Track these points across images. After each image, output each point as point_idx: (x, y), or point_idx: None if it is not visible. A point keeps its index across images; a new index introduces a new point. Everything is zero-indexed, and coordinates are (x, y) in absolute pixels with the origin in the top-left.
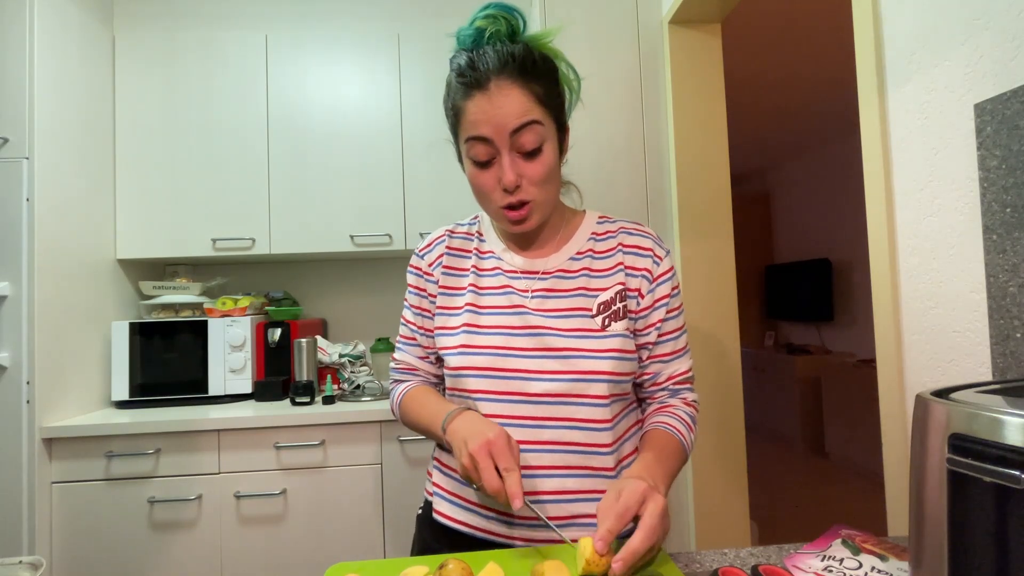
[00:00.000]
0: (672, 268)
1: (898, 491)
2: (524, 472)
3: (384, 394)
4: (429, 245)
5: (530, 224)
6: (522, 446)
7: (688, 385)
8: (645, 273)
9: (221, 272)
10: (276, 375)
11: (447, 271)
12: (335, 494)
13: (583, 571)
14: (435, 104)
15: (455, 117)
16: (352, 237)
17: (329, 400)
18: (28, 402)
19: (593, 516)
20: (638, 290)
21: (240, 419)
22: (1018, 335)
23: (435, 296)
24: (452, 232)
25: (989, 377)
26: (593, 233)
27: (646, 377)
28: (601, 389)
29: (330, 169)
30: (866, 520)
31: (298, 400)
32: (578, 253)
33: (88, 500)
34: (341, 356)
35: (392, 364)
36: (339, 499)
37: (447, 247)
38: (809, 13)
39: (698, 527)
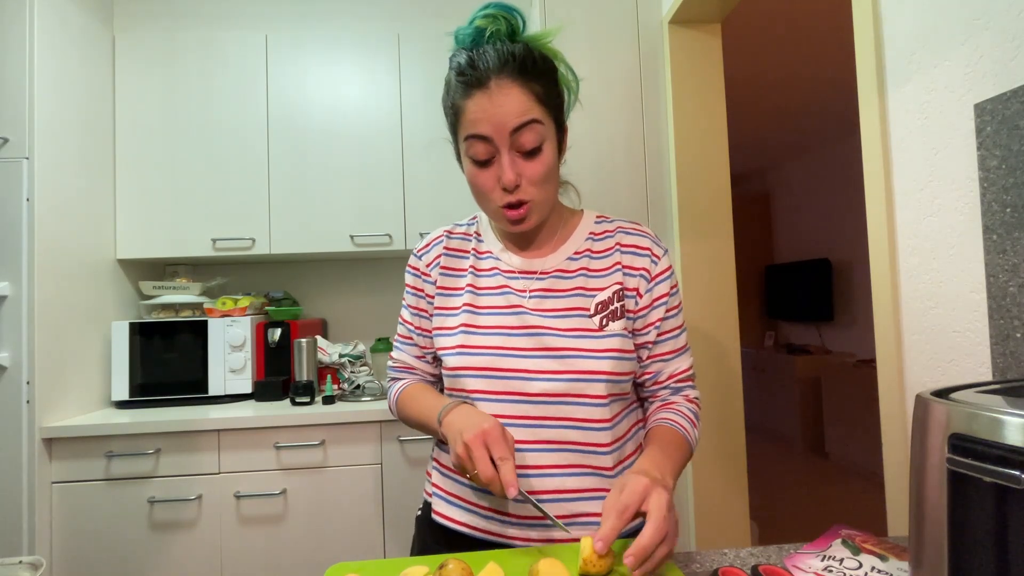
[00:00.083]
0: (670, 267)
1: (898, 491)
2: (524, 472)
3: (384, 394)
4: (427, 246)
5: (529, 224)
6: (521, 445)
7: (690, 383)
8: (643, 272)
9: (221, 272)
10: (276, 375)
11: (445, 272)
12: (335, 494)
13: (582, 571)
14: (435, 104)
15: (455, 116)
16: (352, 237)
17: (329, 400)
18: (28, 402)
19: (593, 515)
20: (636, 289)
21: (240, 419)
22: (1018, 335)
23: (432, 297)
24: (450, 233)
25: (989, 377)
26: (591, 233)
27: (647, 376)
28: (599, 389)
29: (330, 169)
30: (866, 520)
31: (298, 400)
32: (576, 253)
33: (88, 500)
34: (341, 356)
35: (389, 363)
36: (339, 499)
37: (445, 248)
38: (809, 13)
39: (698, 527)
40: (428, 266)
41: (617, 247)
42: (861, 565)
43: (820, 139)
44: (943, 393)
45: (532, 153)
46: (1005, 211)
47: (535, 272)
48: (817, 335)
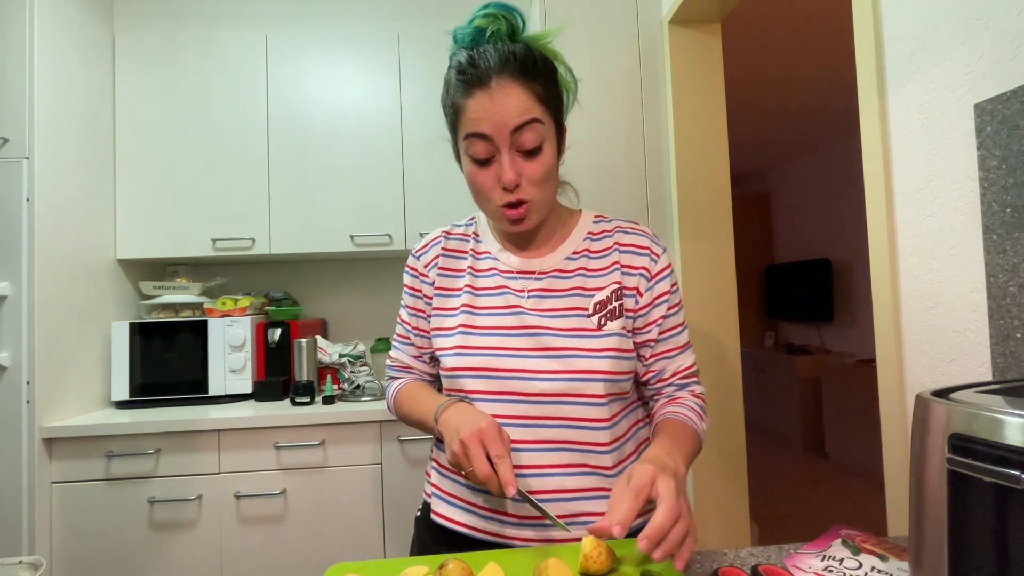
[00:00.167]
0: (670, 265)
1: (898, 491)
2: (523, 471)
3: (384, 394)
4: (425, 246)
5: (528, 224)
6: (521, 445)
7: (695, 379)
8: (643, 271)
9: (221, 272)
10: (276, 375)
11: (443, 272)
12: (335, 494)
13: (582, 568)
14: (435, 104)
15: (454, 114)
16: (352, 237)
17: (329, 400)
18: (28, 402)
19: (593, 514)
20: (636, 288)
21: (240, 419)
22: (1018, 335)
23: (430, 298)
24: (448, 233)
25: (989, 377)
26: (589, 232)
27: (651, 374)
28: (598, 388)
29: (330, 169)
30: (866, 520)
31: (298, 400)
32: (574, 253)
33: (88, 500)
34: (341, 356)
35: (388, 362)
36: (339, 499)
37: (443, 248)
38: (809, 13)
39: (698, 527)
40: (426, 267)
41: (615, 246)
42: (861, 565)
43: (820, 139)
44: (943, 393)
45: (532, 153)
46: (1005, 211)
47: (533, 272)
48: (817, 335)
